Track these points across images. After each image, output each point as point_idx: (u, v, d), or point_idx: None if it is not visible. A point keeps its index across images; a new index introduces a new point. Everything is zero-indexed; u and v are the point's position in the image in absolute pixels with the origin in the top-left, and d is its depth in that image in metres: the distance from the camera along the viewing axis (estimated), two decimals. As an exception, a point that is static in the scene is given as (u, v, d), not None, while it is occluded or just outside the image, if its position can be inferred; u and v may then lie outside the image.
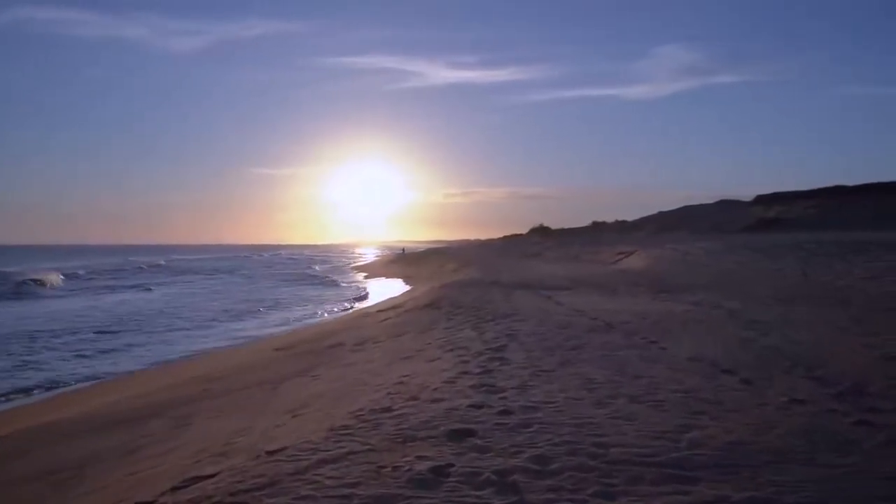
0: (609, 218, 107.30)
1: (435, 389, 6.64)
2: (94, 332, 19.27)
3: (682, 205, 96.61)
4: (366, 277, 49.45)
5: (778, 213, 66.70)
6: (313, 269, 67.25)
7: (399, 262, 65.55)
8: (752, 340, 9.46)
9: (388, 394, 6.70)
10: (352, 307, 26.54)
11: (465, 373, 7.56)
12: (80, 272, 52.46)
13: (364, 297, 31.24)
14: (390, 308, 20.09)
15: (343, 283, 43.90)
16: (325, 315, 23.81)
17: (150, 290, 37.86)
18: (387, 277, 46.85)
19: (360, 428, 5.26)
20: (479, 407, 5.80)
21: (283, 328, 20.48)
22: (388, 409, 5.88)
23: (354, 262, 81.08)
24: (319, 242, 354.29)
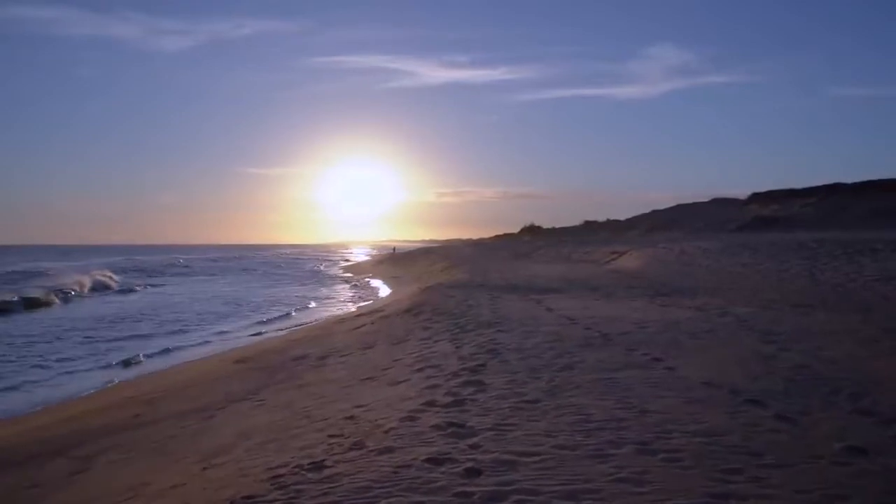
0: (601, 217, 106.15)
1: (388, 431, 5.21)
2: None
3: (674, 204, 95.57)
4: (354, 277, 47.94)
5: (774, 211, 65.43)
6: (318, 268, 66.17)
7: (389, 261, 64.02)
8: (775, 357, 8.06)
9: (329, 437, 5.27)
10: (337, 310, 25.05)
11: (432, 404, 6.13)
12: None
13: (349, 299, 29.75)
14: (369, 313, 18.64)
15: (336, 283, 42.43)
16: (312, 317, 22.29)
17: (133, 292, 36.24)
18: (375, 278, 45.34)
19: (269, 501, 3.82)
20: (440, 462, 4.38)
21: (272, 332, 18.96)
22: (320, 466, 4.44)
23: (346, 262, 79.50)
24: (311, 242, 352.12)
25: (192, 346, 16.46)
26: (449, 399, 6.24)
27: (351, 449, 4.80)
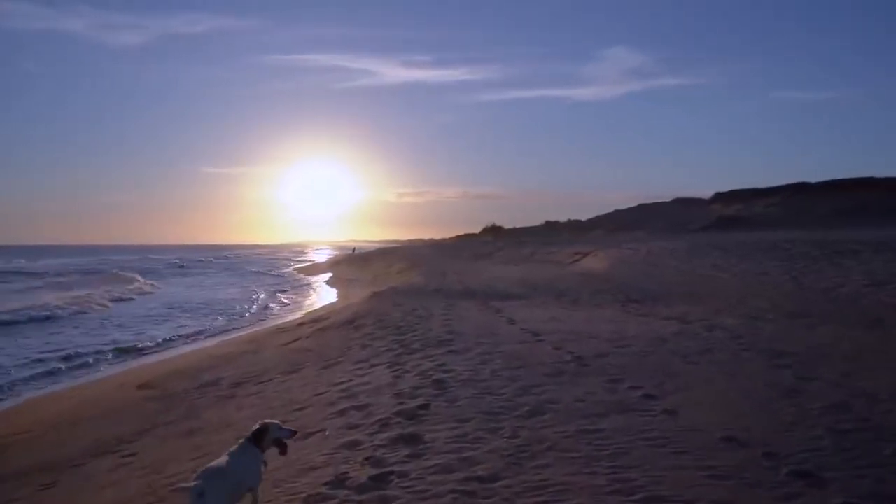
0: (562, 217, 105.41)
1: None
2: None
3: (635, 204, 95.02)
4: (309, 278, 45.59)
5: (738, 210, 64.77)
6: (276, 269, 63.46)
7: (346, 263, 61.69)
8: (799, 392, 6.27)
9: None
10: (281, 315, 22.88)
11: (341, 482, 4.20)
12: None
13: (297, 303, 27.56)
14: (309, 322, 16.58)
15: (291, 285, 40.00)
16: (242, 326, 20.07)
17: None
18: (329, 280, 43.09)
19: None
20: None
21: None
22: None
23: (305, 263, 76.73)
24: (273, 242, 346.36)
25: (108, 363, 14.10)
26: (367, 474, 4.31)
27: None
